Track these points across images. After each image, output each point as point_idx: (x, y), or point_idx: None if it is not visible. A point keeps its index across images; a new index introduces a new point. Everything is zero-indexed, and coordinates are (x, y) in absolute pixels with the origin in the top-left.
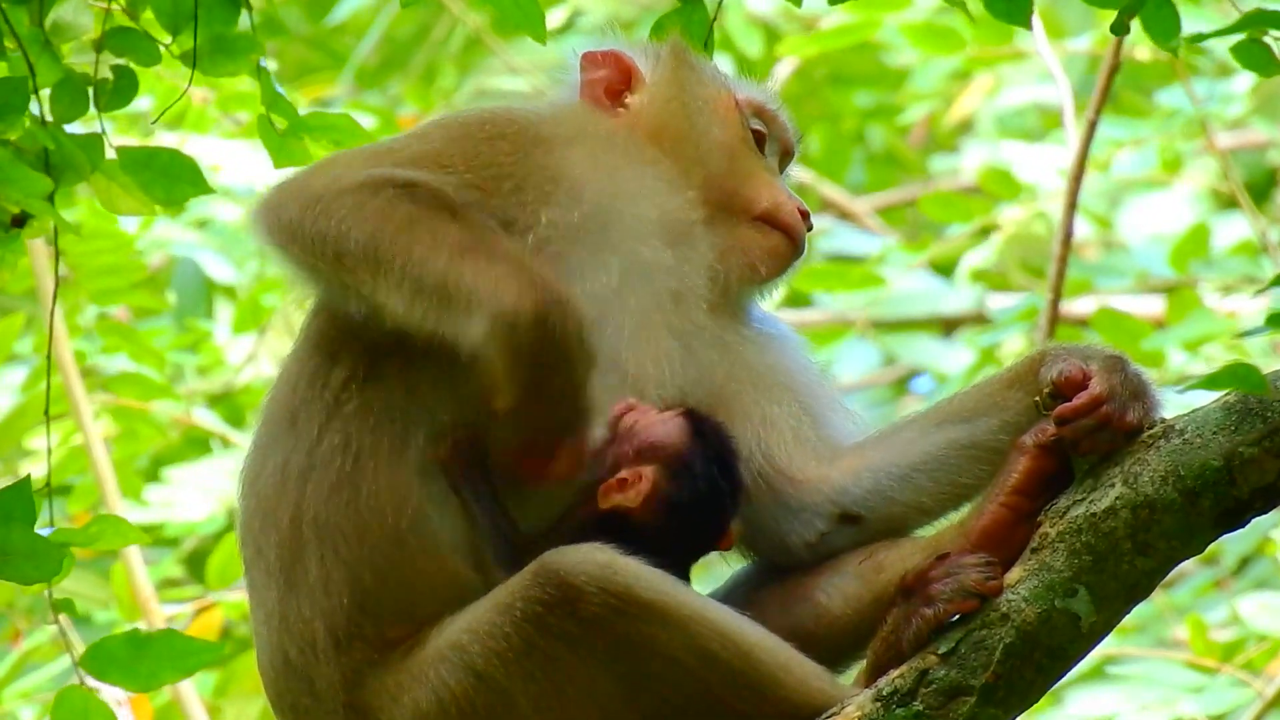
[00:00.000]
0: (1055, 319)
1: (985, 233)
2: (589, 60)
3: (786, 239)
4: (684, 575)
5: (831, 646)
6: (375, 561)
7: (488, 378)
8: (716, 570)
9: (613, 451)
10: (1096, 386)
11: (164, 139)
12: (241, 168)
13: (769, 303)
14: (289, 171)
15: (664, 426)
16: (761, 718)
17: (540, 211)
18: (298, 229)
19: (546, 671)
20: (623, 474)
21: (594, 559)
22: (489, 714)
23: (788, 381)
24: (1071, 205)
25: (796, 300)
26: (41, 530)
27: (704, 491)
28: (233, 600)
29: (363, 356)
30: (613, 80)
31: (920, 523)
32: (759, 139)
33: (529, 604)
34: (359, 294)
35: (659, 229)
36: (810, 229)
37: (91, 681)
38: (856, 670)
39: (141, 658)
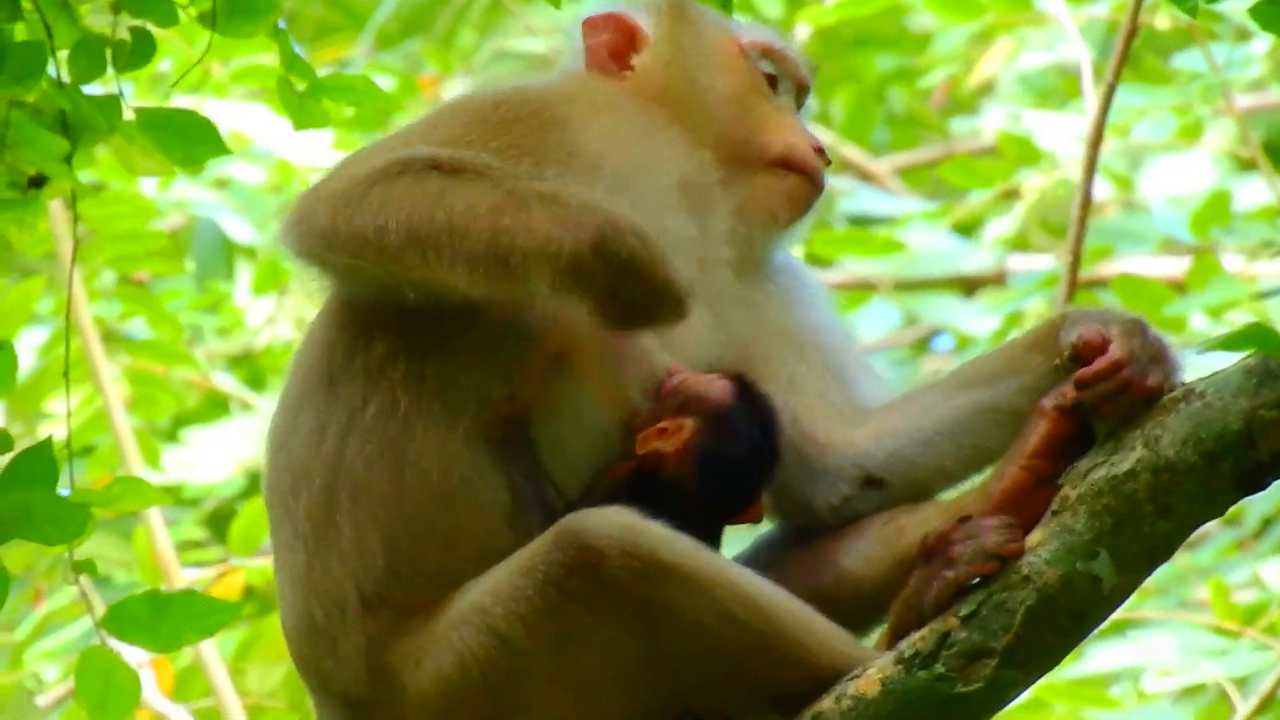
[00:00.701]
0: (1075, 283)
1: (1007, 198)
2: (590, 26)
3: (804, 180)
4: (711, 542)
5: (853, 610)
6: (415, 527)
7: (579, 320)
8: (741, 535)
9: (655, 410)
10: (1116, 351)
11: (182, 104)
12: (260, 131)
13: (796, 250)
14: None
15: (710, 384)
16: (783, 681)
17: None
18: (332, 233)
19: (568, 634)
20: (663, 423)
21: (617, 521)
22: (510, 677)
23: (814, 340)
24: (1090, 171)
25: (818, 262)
26: (62, 491)
27: (742, 450)
28: (255, 565)
29: (407, 324)
30: (616, 43)
31: (942, 487)
32: (770, 81)
33: (551, 566)
34: (412, 281)
35: (679, 196)
36: (828, 163)
37: (114, 643)
38: (878, 634)
39: (162, 618)
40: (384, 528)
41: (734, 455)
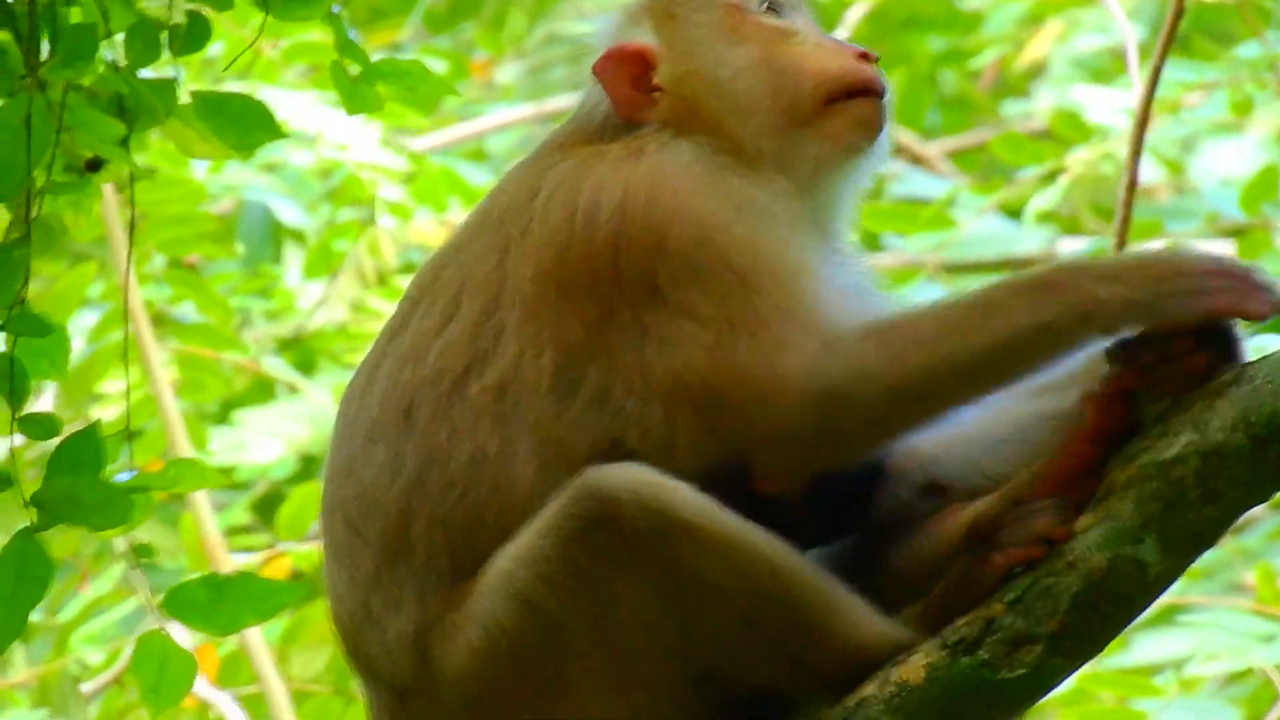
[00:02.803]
0: None
1: (1054, 176)
2: (602, 73)
3: (865, 98)
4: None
5: (902, 605)
6: (487, 552)
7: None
8: None
9: None
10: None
11: (232, 89)
12: (310, 117)
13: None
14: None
15: None
16: (814, 657)
17: None
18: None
19: (592, 593)
20: None
21: (634, 475)
22: (540, 645)
23: None
24: (1136, 152)
25: (867, 243)
26: (120, 475)
27: (853, 472)
28: (302, 550)
29: (521, 367)
30: (632, 73)
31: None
32: (775, 8)
33: (569, 521)
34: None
35: (779, 208)
36: (876, 60)
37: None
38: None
39: (221, 601)
40: (457, 554)
41: (844, 477)
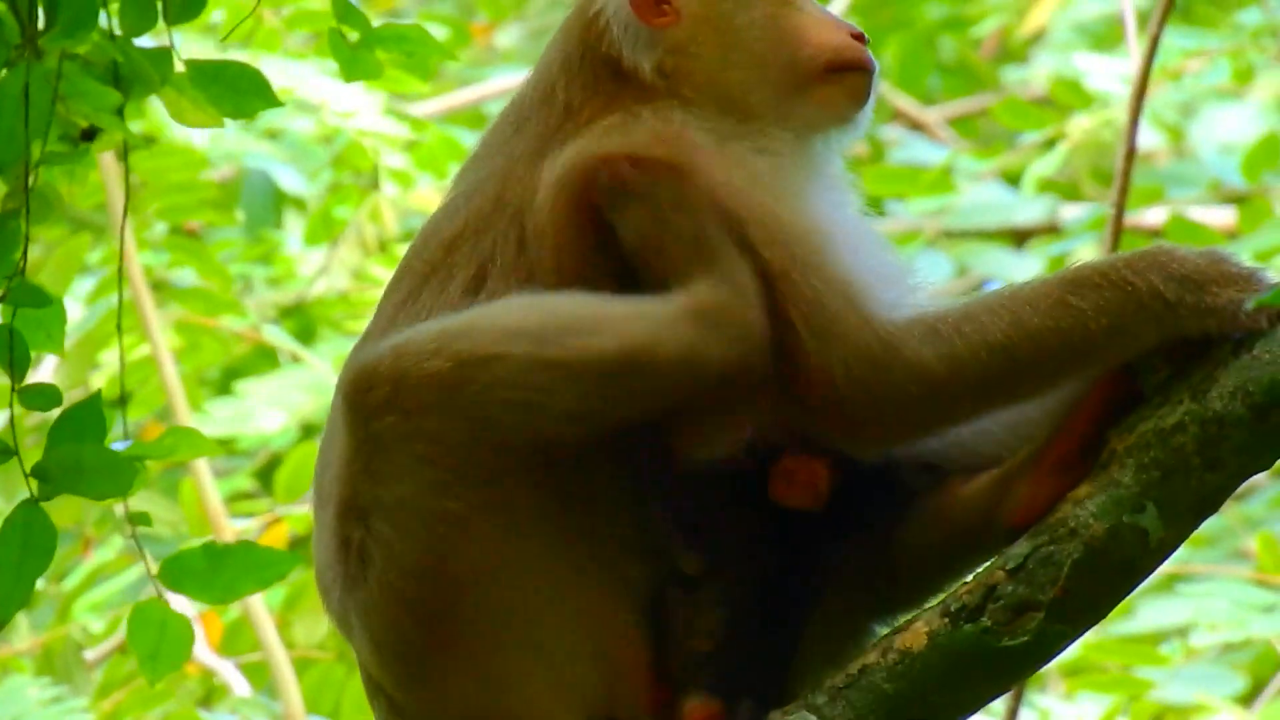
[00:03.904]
0: (1119, 231)
1: (1053, 143)
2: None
3: (857, 73)
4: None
5: (908, 581)
6: None
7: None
8: None
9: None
10: None
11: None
12: (313, 86)
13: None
14: None
15: None
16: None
17: None
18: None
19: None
20: (791, 465)
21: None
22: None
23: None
24: (1135, 119)
25: (871, 207)
26: (117, 444)
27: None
28: (300, 513)
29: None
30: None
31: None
32: None
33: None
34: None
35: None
36: (866, 41)
37: (167, 595)
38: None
39: (219, 569)
40: None
41: (866, 481)
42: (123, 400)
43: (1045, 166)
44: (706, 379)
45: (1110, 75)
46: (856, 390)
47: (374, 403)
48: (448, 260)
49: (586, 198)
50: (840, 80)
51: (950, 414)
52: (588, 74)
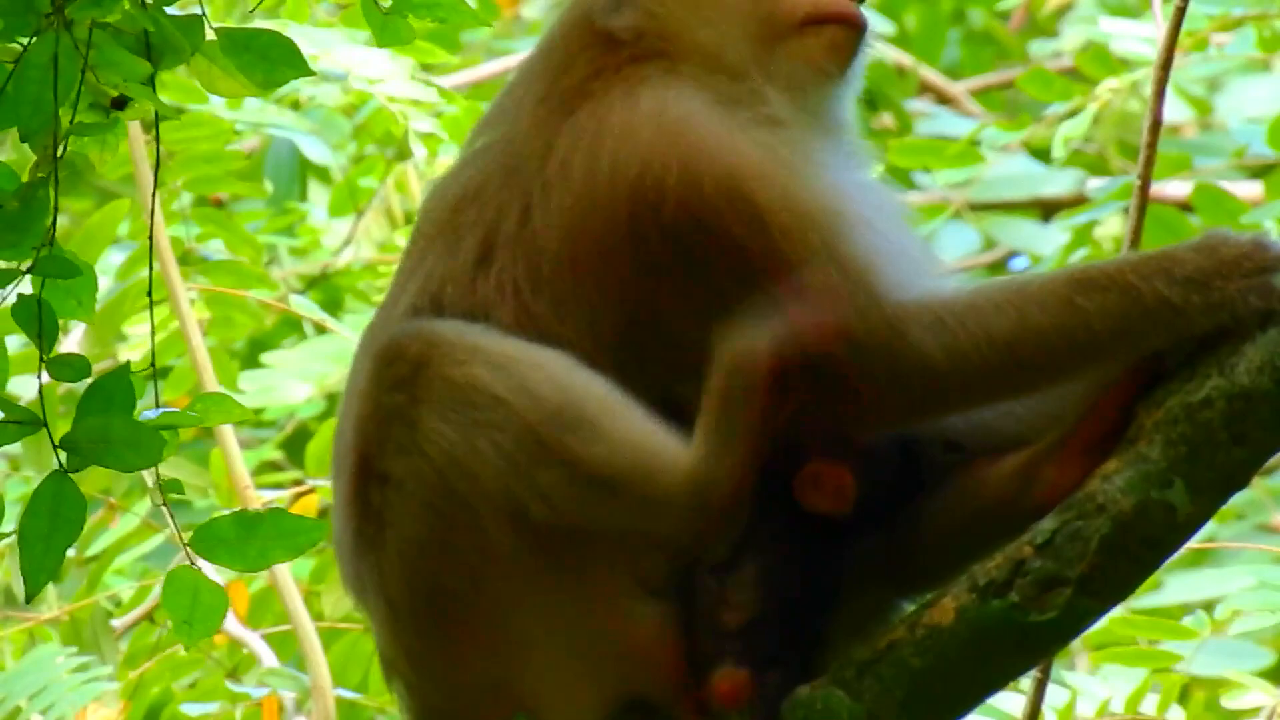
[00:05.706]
0: (1144, 204)
1: (1078, 112)
2: None
3: (840, 25)
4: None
5: (931, 561)
6: None
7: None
8: None
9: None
10: None
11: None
12: (340, 55)
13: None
14: None
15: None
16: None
17: None
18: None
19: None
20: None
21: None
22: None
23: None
24: (1161, 88)
25: (898, 179)
26: (147, 413)
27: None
28: (329, 485)
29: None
30: None
31: (1017, 448)
32: None
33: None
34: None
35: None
36: (863, 1)
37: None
38: None
39: (250, 538)
40: None
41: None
42: (154, 368)
43: (1073, 127)
44: (663, 534)
45: (1136, 38)
46: (856, 370)
47: (392, 377)
48: (454, 220)
49: (628, 207)
50: (818, 32)
51: (947, 403)
52: (582, 38)
